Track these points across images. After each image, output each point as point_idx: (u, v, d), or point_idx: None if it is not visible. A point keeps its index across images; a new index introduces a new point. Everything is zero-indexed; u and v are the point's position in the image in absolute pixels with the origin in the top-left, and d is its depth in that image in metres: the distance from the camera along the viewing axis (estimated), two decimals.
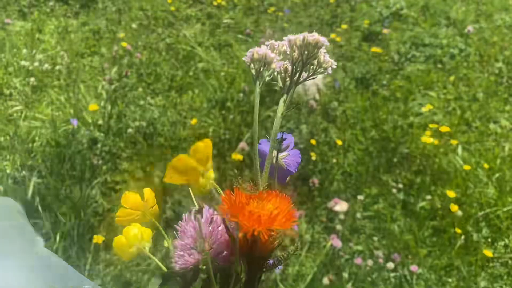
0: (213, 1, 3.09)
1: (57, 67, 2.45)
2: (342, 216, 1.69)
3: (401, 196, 1.83)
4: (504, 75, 2.53)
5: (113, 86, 2.24)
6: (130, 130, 2.02)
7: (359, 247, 1.63)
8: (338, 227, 1.66)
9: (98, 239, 1.43)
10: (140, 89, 2.37)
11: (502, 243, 1.64)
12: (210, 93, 2.36)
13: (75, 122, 1.87)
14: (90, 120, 2.01)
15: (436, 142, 1.84)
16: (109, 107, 2.09)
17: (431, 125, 2.00)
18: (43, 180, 1.71)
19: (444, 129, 1.89)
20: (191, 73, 2.51)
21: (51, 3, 3.01)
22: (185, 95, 2.36)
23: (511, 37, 2.83)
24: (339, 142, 2.01)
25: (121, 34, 2.73)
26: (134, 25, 2.83)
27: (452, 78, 2.44)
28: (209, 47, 2.70)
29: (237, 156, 1.73)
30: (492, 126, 2.18)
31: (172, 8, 3.01)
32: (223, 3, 3.09)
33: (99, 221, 1.64)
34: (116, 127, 2.04)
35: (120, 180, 1.85)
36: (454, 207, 1.63)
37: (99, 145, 1.91)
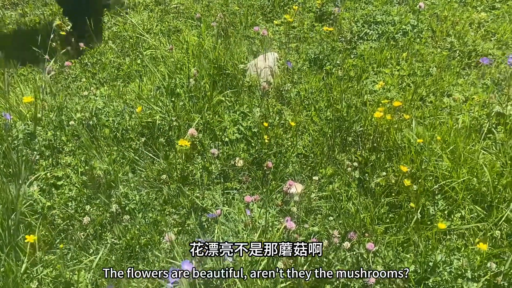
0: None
1: None
2: (297, 198, 1.64)
3: (356, 174, 1.79)
4: (456, 49, 2.53)
5: (53, 78, 2.10)
6: (72, 122, 1.90)
7: (315, 228, 1.58)
8: (293, 209, 1.60)
9: (30, 239, 1.31)
10: (84, 80, 2.24)
11: (458, 214, 1.63)
12: (158, 80, 2.25)
13: (8, 116, 1.73)
14: (26, 115, 1.88)
15: (388, 117, 1.80)
16: (48, 99, 1.96)
17: (383, 101, 1.97)
18: None
19: (397, 103, 1.86)
20: (138, 61, 2.39)
21: None
22: (132, 84, 2.25)
23: (462, 11, 2.84)
24: (293, 124, 1.95)
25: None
26: None
27: (405, 54, 2.43)
28: (158, 33, 2.59)
29: (184, 143, 1.64)
30: (446, 99, 2.17)
31: None
32: None
33: (36, 219, 1.53)
34: (57, 119, 1.92)
35: (63, 175, 1.73)
36: (407, 182, 1.60)
37: (37, 140, 1.79)
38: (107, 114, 1.98)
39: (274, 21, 2.70)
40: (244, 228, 1.46)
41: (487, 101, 2.09)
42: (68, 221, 1.58)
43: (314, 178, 1.76)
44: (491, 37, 2.66)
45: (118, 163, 1.77)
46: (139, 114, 1.99)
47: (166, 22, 2.69)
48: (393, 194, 1.70)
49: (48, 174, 1.69)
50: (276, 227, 1.51)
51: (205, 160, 1.78)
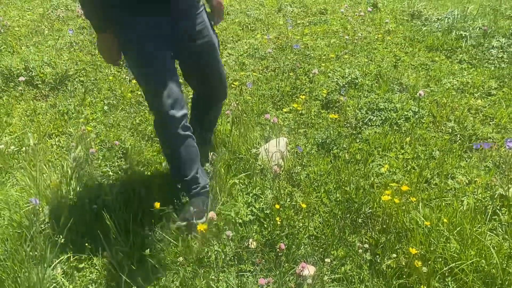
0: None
1: (23, 149, 2.47)
2: (310, 281, 1.68)
3: (367, 256, 1.84)
4: (456, 133, 2.68)
5: (78, 164, 2.25)
6: (95, 206, 2.01)
7: None
8: None
9: None
10: (107, 169, 2.40)
11: None
12: None
13: (36, 201, 1.85)
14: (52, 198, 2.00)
15: (396, 200, 1.89)
16: (73, 184, 2.09)
17: (391, 184, 2.07)
18: (1, 263, 1.65)
19: (405, 188, 1.95)
20: (159, 148, 2.56)
21: (20, 88, 3.09)
22: (152, 168, 2.39)
23: (460, 98, 3.03)
24: (304, 206, 2.04)
25: (90, 114, 2.80)
26: (102, 105, 2.91)
27: (408, 139, 2.57)
28: None
29: (202, 227, 1.73)
30: (450, 182, 2.27)
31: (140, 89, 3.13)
32: None
33: None
34: (79, 202, 2.03)
35: (84, 258, 1.81)
36: (418, 263, 1.64)
37: (62, 222, 1.89)
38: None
39: (283, 109, 2.90)
40: None
41: (489, 184, 2.18)
42: None
43: (326, 260, 1.81)
44: (490, 121, 2.82)
45: (138, 245, 1.85)
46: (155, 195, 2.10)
47: None
48: (404, 276, 1.73)
49: (71, 257, 1.77)
50: None
51: (220, 242, 1.85)
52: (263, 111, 2.86)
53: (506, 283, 1.64)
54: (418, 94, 2.91)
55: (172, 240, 1.85)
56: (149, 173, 2.37)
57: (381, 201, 2.04)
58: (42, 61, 3.26)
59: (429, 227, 1.86)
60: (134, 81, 3.19)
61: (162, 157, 2.50)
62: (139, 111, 2.87)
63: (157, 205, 1.83)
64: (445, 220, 1.84)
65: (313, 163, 2.38)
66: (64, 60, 3.31)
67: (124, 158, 2.48)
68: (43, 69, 3.18)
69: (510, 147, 2.38)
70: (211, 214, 1.88)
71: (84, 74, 3.21)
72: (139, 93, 3.05)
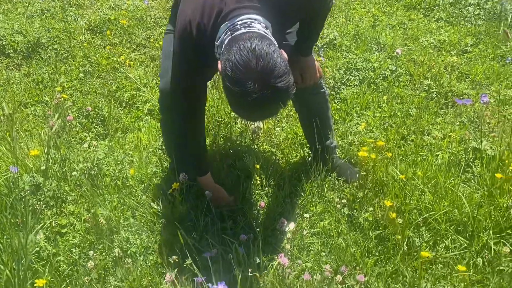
0: (156, 44, 3.17)
1: None
2: (289, 235, 1.73)
3: (345, 211, 1.89)
4: (433, 90, 2.71)
5: (56, 132, 2.23)
6: (74, 173, 2.01)
7: (308, 264, 1.67)
8: (287, 246, 1.69)
9: (40, 283, 1.39)
10: (85, 134, 2.37)
11: (442, 245, 1.72)
12: (156, 132, 2.39)
13: (15, 170, 1.84)
14: (32, 167, 1.99)
15: (373, 156, 1.93)
16: (52, 152, 2.08)
17: (368, 140, 2.10)
18: None
19: (380, 143, 1.99)
20: (137, 114, 2.54)
21: None
22: (131, 135, 2.38)
23: (437, 56, 3.05)
24: (283, 166, 2.07)
25: (65, 82, 2.75)
26: (77, 72, 2.86)
27: (385, 97, 2.60)
28: (154, 87, 2.75)
29: (176, 185, 1.75)
30: (426, 138, 2.32)
31: (114, 55, 3.07)
32: None
33: (43, 266, 1.60)
34: (60, 171, 2.03)
35: (67, 223, 1.82)
36: (393, 215, 1.70)
37: (42, 191, 1.89)
38: (107, 164, 2.10)
39: None
40: (239, 266, 1.54)
41: (463, 138, 2.24)
42: (72, 266, 1.65)
43: (305, 215, 1.86)
44: (465, 78, 2.86)
45: (119, 210, 1.87)
46: (138, 163, 2.11)
47: None
48: (380, 228, 1.80)
49: (53, 223, 1.78)
50: (270, 264, 1.59)
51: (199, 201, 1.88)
52: None
53: (477, 230, 1.72)
54: (395, 53, 2.92)
55: (152, 203, 1.88)
56: (128, 139, 2.36)
57: (358, 158, 2.08)
58: (12, 29, 3.15)
59: (404, 181, 1.91)
60: (108, 47, 3.13)
61: (141, 123, 2.49)
62: (116, 77, 2.83)
63: (132, 171, 1.84)
64: (419, 173, 1.89)
65: (293, 124, 2.40)
66: (35, 28, 3.20)
67: (102, 125, 2.46)
68: (14, 37, 3.07)
69: (485, 102, 2.43)
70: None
71: (58, 41, 3.12)
72: (115, 59, 2.99)
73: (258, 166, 1.94)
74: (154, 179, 2.03)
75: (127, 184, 2.01)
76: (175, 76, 1.64)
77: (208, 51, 1.49)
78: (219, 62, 1.37)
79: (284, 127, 2.39)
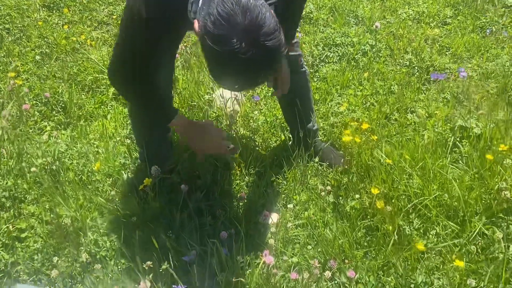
0: (120, 21, 2.93)
1: None
2: (273, 229, 1.61)
3: (330, 198, 1.78)
4: (414, 65, 2.61)
5: (10, 123, 2.01)
6: (33, 168, 1.81)
7: (294, 259, 1.56)
8: (271, 241, 1.57)
9: None
10: (44, 123, 2.16)
11: (433, 232, 1.64)
12: (123, 118, 2.20)
13: None
14: None
15: (357, 139, 1.81)
16: (7, 146, 1.87)
17: (352, 123, 1.99)
18: None
19: (365, 126, 1.87)
20: (101, 99, 2.34)
21: None
22: (96, 122, 2.18)
23: (417, 28, 2.94)
24: (264, 152, 1.94)
25: (20, 65, 2.50)
26: (33, 55, 2.60)
27: (366, 74, 2.47)
28: None
29: (148, 182, 1.60)
30: (409, 116, 2.22)
31: (74, 34, 2.82)
32: None
33: (1, 278, 1.44)
34: (17, 167, 1.83)
35: (26, 226, 1.64)
36: (380, 204, 1.60)
37: None
38: (70, 157, 1.91)
39: None
40: (222, 269, 1.41)
41: (449, 116, 2.15)
42: (35, 276, 1.49)
43: (289, 206, 1.75)
44: (446, 51, 2.76)
45: (86, 209, 1.70)
46: (105, 155, 1.93)
47: None
48: (368, 217, 1.70)
49: (10, 227, 1.60)
50: (255, 262, 1.47)
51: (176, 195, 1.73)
52: None
53: (468, 215, 1.64)
54: (375, 26, 2.78)
55: (122, 200, 1.71)
56: (92, 128, 2.16)
57: (341, 141, 1.96)
58: None
59: (391, 165, 1.81)
60: (66, 26, 2.87)
61: (106, 109, 2.29)
62: (76, 59, 2.59)
63: (98, 165, 1.66)
64: (407, 156, 1.79)
65: (271, 106, 2.25)
66: None
67: (63, 112, 2.25)
68: None
69: (464, 76, 2.34)
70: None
71: (9, 20, 2.84)
72: (75, 38, 2.75)
73: (237, 156, 1.80)
74: (123, 172, 1.86)
75: (93, 179, 1.83)
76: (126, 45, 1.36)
77: (176, 6, 1.27)
78: (195, 21, 1.16)
79: (262, 109, 2.24)
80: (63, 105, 2.26)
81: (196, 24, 1.16)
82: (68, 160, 1.89)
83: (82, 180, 1.83)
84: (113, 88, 2.37)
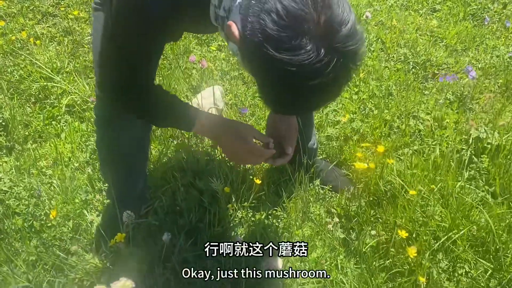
0: (69, 14, 2.48)
1: None
2: (279, 282, 1.32)
3: (339, 234, 1.52)
4: (409, 60, 2.36)
5: None
6: None
7: None
8: None
9: None
10: None
11: (462, 270, 1.41)
12: (81, 138, 1.82)
13: None
14: None
15: (372, 165, 1.54)
16: None
17: (364, 144, 1.70)
18: None
19: (381, 149, 1.58)
20: (52, 113, 1.93)
21: None
22: (47, 145, 1.79)
23: (405, 16, 2.68)
24: (258, 182, 1.63)
25: None
26: None
27: (362, 75, 2.19)
28: (72, 73, 2.12)
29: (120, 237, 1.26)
30: (412, 122, 1.97)
31: (13, 30, 2.35)
32: (83, 14, 2.49)
33: None
34: None
35: None
36: (412, 252, 1.32)
37: None
38: (16, 196, 1.53)
39: (211, 46, 2.34)
40: None
41: (458, 122, 1.92)
42: None
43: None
44: (440, 42, 2.53)
45: (40, 267, 1.34)
46: (61, 189, 1.56)
47: (81, 57, 2.23)
48: (388, 257, 1.44)
49: None
50: None
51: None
52: (186, 50, 2.28)
53: (502, 249, 1.42)
54: (365, 16, 2.50)
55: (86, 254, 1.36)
56: (43, 152, 1.77)
57: (351, 167, 1.69)
58: None
59: (408, 190, 1.55)
60: (2, 22, 2.39)
61: (59, 126, 1.90)
62: (17, 63, 2.15)
63: (53, 213, 1.30)
64: (432, 186, 1.53)
65: (259, 115, 1.94)
66: None
67: (4, 133, 1.83)
68: None
69: (474, 77, 2.11)
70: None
71: None
72: (14, 36, 2.29)
73: (228, 189, 1.48)
74: (86, 213, 1.51)
75: (48, 224, 1.47)
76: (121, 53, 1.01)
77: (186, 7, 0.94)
78: (230, 23, 0.84)
79: (249, 122, 1.92)
80: (3, 124, 1.84)
81: (233, 27, 0.84)
82: (14, 201, 1.51)
83: (34, 227, 1.46)
84: (67, 98, 1.96)
